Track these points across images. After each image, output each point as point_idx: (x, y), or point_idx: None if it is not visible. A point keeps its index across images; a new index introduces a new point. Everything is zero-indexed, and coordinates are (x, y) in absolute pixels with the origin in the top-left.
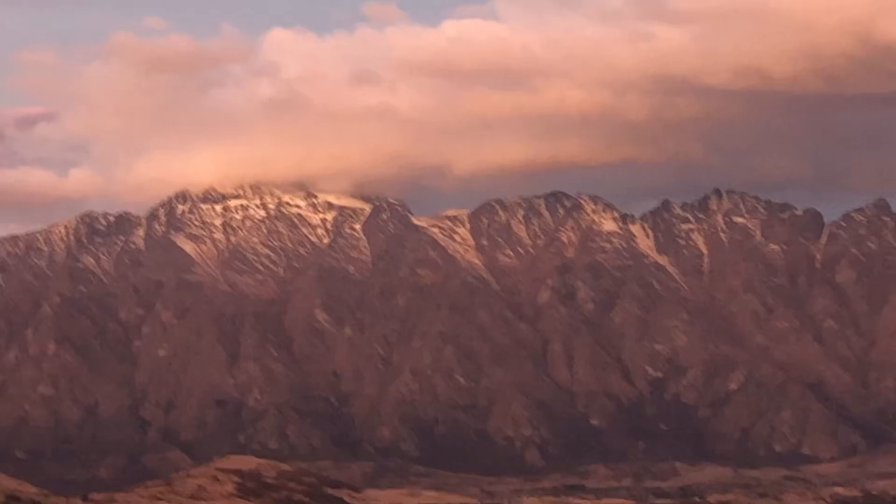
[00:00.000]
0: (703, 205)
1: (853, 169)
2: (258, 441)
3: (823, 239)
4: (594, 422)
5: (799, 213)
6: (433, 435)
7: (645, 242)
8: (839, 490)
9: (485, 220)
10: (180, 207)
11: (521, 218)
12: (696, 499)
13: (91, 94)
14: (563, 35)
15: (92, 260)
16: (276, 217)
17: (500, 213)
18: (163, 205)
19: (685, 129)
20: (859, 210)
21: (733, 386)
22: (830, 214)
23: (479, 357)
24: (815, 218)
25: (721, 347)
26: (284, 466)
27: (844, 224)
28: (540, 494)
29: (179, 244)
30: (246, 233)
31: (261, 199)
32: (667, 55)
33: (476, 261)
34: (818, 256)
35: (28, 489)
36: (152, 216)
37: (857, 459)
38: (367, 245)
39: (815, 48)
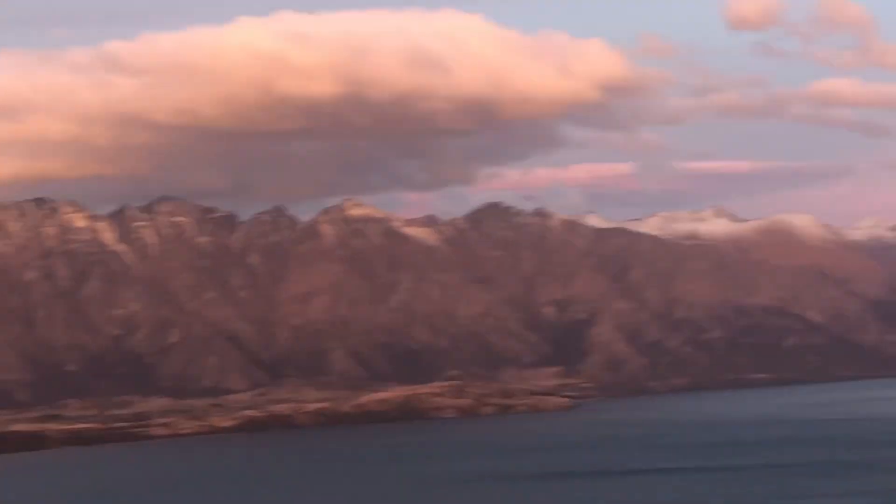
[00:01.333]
0: (152, 208)
1: (260, 183)
2: None
3: (239, 233)
4: (70, 368)
5: (222, 214)
6: None
7: (109, 235)
8: (250, 412)
9: None
10: None
11: (13, 216)
12: (146, 421)
13: None
14: (48, 81)
15: None
16: None
17: None
18: None
19: (139, 152)
20: (264, 212)
21: (174, 339)
22: (244, 215)
23: None
24: (232, 217)
25: (165, 311)
26: None
27: (254, 222)
28: (26, 422)
29: None
30: None
31: None
32: (125, 98)
33: None
34: (235, 245)
35: None
36: None
37: (262, 391)
38: None
39: (232, 95)
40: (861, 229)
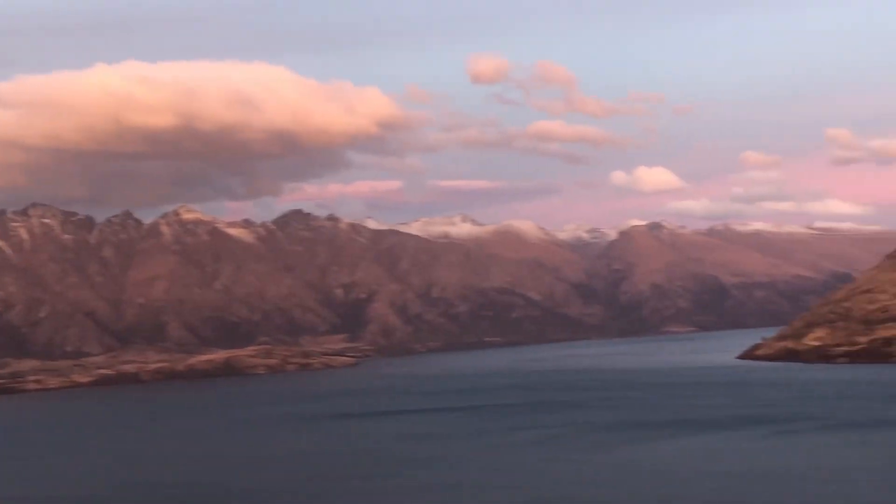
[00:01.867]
0: (26, 212)
1: (112, 193)
2: None
3: (95, 232)
4: None
5: (82, 217)
6: None
7: None
8: (104, 371)
9: None
10: None
11: None
12: (21, 378)
13: None
14: None
15: None
16: None
17: None
18: None
19: (17, 169)
20: (115, 216)
21: (43, 314)
22: (99, 218)
23: None
24: (90, 220)
25: (36, 292)
26: None
27: (107, 223)
28: None
29: None
30: None
31: None
32: (4, 126)
33: None
34: (92, 241)
35: None
36: None
37: (113, 354)
38: None
39: (90, 125)
40: (566, 231)
